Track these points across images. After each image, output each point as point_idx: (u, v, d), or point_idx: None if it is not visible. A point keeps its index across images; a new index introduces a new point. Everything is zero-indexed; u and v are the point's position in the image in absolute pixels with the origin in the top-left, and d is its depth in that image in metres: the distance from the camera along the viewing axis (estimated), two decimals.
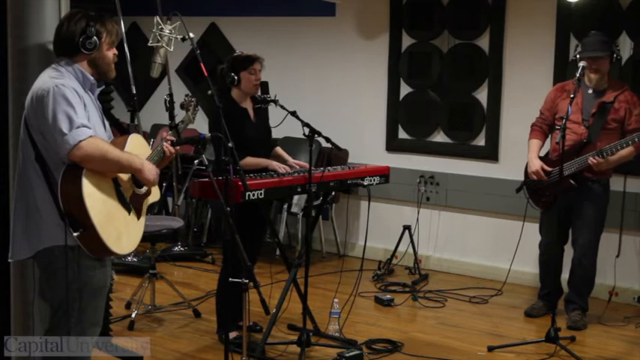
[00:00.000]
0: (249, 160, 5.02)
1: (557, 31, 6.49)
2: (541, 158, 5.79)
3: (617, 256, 6.16)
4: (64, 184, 3.17)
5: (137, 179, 3.48)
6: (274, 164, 5.11)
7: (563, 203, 5.59)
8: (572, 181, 5.47)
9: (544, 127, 5.88)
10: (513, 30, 6.81)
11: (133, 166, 3.37)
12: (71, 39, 3.35)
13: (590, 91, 5.55)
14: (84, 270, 3.30)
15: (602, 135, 5.54)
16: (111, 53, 3.47)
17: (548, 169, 5.69)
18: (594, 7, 6.30)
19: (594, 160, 5.39)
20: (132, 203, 3.43)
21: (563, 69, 6.38)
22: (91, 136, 3.17)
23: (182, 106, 4.39)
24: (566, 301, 5.89)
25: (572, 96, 5.23)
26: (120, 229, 3.33)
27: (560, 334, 5.14)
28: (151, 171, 3.44)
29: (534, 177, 5.74)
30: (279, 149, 5.40)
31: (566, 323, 5.67)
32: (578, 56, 5.58)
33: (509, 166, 6.45)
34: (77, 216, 3.15)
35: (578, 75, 5.34)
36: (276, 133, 5.41)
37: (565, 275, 5.92)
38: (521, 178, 5.93)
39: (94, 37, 3.36)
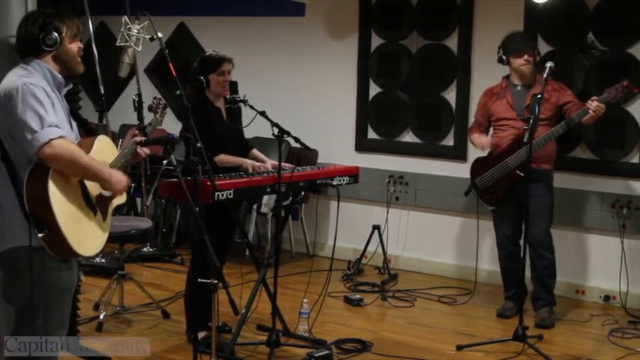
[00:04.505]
0: (224, 158, 5.02)
1: (525, 32, 6.53)
2: (484, 157, 6.00)
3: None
4: (29, 184, 3.14)
5: None
6: (247, 162, 5.10)
7: (516, 197, 5.69)
8: (519, 172, 5.54)
9: (480, 128, 6.10)
10: (481, 31, 6.85)
11: (100, 175, 3.32)
12: (31, 39, 3.32)
13: (519, 88, 5.76)
14: (49, 271, 3.27)
15: (538, 126, 5.61)
16: (75, 46, 3.43)
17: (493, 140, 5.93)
18: (561, 8, 6.36)
19: (594, 105, 5.42)
20: (98, 204, 3.41)
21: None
22: (61, 136, 3.15)
23: (150, 109, 4.37)
24: (533, 298, 5.92)
25: (539, 96, 5.26)
26: (85, 231, 3.30)
27: (528, 332, 5.17)
28: (119, 183, 3.40)
29: (486, 146, 5.93)
30: (255, 151, 5.38)
31: (535, 321, 5.71)
32: (507, 55, 5.84)
33: None
34: (42, 216, 3.12)
35: (545, 75, 5.38)
36: (246, 133, 5.40)
37: (527, 273, 5.97)
38: None
39: (54, 33, 3.33)
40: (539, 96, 5.26)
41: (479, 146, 6.05)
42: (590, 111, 5.43)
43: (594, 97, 5.47)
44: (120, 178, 3.42)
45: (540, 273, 5.82)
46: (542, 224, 5.75)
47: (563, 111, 5.75)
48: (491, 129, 6.06)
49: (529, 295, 5.94)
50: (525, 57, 5.76)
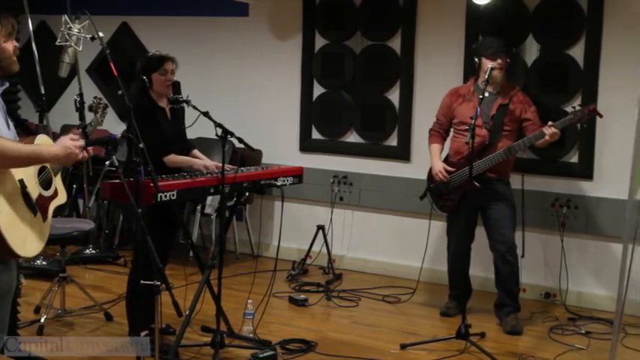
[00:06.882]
0: (173, 158, 5.00)
1: (467, 32, 6.61)
2: (443, 161, 5.91)
3: (522, 256, 6.14)
4: None
5: (44, 181, 3.41)
6: (198, 162, 5.08)
7: (471, 205, 5.68)
8: (476, 183, 5.53)
9: (441, 131, 6.01)
10: (424, 31, 6.90)
11: (40, 157, 3.25)
12: None
13: (487, 94, 5.55)
14: None
15: (501, 136, 5.66)
16: (10, 45, 3.37)
17: (450, 169, 5.80)
18: (502, 9, 6.44)
19: (550, 131, 5.41)
20: (38, 205, 3.36)
21: (472, 69, 6.49)
22: None
23: (90, 109, 4.33)
24: (498, 304, 5.88)
25: (480, 97, 5.34)
26: (25, 231, 3.25)
27: (470, 330, 5.23)
28: (68, 154, 3.30)
29: (438, 176, 5.82)
30: (196, 152, 5.36)
31: (504, 328, 5.67)
32: (479, 56, 5.74)
33: (421, 166, 6.52)
34: None
35: (487, 77, 5.45)
36: (189, 134, 5.36)
37: (473, 272, 6.04)
38: None
39: None
40: (480, 96, 5.33)
41: (432, 164, 5.92)
42: (546, 136, 5.43)
43: (551, 123, 5.44)
44: (66, 149, 3.30)
45: (506, 280, 5.78)
46: (507, 233, 5.73)
47: (522, 126, 5.76)
48: (451, 131, 5.98)
49: (494, 301, 5.93)
50: (499, 61, 5.63)
